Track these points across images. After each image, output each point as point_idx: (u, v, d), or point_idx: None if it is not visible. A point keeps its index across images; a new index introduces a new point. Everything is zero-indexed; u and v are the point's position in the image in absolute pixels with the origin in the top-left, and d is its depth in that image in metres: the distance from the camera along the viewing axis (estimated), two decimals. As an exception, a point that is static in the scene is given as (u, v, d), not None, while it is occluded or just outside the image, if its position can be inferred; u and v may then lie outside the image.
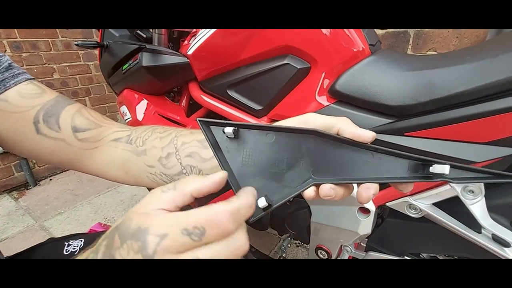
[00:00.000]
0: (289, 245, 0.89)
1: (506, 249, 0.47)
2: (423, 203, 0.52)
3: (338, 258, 0.71)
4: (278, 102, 0.66)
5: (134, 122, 0.81)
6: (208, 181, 0.22)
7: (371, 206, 0.57)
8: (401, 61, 0.53)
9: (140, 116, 0.79)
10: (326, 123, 0.26)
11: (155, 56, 0.72)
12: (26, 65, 1.67)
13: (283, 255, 0.88)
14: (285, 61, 0.61)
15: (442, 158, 0.46)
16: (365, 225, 0.59)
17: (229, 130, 0.25)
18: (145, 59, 0.71)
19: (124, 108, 0.86)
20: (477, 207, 0.47)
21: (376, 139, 0.57)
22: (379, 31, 1.10)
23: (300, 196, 0.25)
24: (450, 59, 0.48)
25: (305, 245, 1.22)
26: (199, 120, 0.26)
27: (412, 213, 0.54)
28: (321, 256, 0.72)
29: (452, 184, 0.48)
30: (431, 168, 0.23)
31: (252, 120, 0.70)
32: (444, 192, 0.49)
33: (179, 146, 0.37)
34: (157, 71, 0.73)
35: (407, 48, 1.06)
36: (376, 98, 0.51)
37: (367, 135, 0.24)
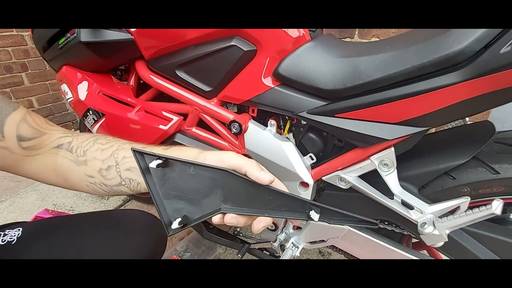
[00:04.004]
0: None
1: (411, 211, 0.57)
2: (351, 176, 0.60)
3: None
4: (227, 83, 0.68)
5: (77, 102, 0.76)
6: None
7: (309, 181, 0.64)
8: (336, 48, 0.57)
9: (82, 95, 0.75)
10: (237, 163, 0.31)
11: (95, 31, 0.67)
12: None
13: (237, 228, 0.94)
14: (232, 43, 0.62)
15: (363, 137, 0.54)
16: (305, 197, 0.65)
17: (153, 165, 0.30)
18: (84, 34, 0.66)
19: (64, 87, 0.80)
20: (391, 177, 0.55)
21: (311, 119, 0.61)
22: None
23: (210, 219, 0.31)
24: (375, 48, 0.53)
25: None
26: (133, 150, 0.30)
27: (342, 185, 0.62)
28: (269, 226, 0.79)
29: (372, 159, 0.55)
30: (310, 212, 0.30)
31: (201, 102, 0.71)
32: (366, 166, 0.57)
33: (120, 160, 0.39)
34: (98, 48, 0.68)
35: (355, 33, 1.13)
36: (313, 82, 0.55)
37: (265, 179, 0.29)
